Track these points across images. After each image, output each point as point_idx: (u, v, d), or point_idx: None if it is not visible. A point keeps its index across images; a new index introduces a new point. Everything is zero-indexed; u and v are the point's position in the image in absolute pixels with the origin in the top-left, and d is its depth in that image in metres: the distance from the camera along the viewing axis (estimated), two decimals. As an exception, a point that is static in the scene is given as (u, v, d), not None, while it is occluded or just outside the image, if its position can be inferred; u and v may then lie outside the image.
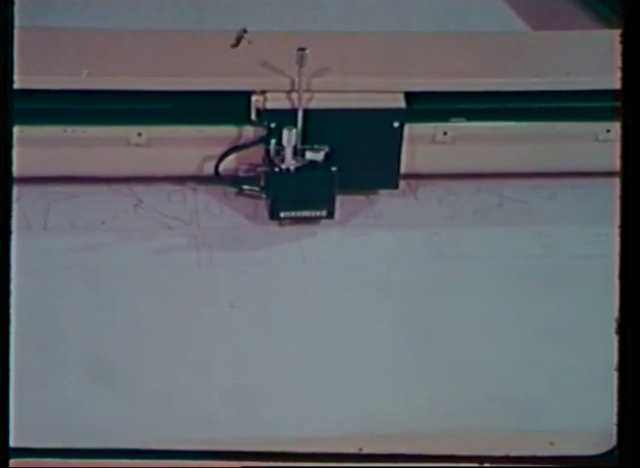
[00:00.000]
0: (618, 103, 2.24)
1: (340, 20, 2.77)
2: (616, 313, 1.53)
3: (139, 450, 1.66)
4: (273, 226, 2.23)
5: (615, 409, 1.53)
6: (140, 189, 2.32)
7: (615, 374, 1.53)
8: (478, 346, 1.93)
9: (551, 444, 1.72)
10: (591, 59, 2.40)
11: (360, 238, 2.23)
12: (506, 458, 1.66)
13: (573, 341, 1.91)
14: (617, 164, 2.30)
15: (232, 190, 2.31)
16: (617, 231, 1.53)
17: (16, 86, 2.02)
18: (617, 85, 2.24)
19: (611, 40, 2.50)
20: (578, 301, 2.01)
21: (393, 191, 2.33)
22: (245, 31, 2.27)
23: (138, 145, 2.26)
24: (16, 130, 2.13)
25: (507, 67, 2.38)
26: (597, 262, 2.07)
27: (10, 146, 1.52)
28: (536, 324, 1.96)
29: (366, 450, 1.70)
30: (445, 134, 2.32)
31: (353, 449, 1.70)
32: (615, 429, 1.53)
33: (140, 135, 2.26)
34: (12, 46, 1.51)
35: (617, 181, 2.31)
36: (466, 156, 2.35)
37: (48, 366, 1.85)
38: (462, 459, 1.65)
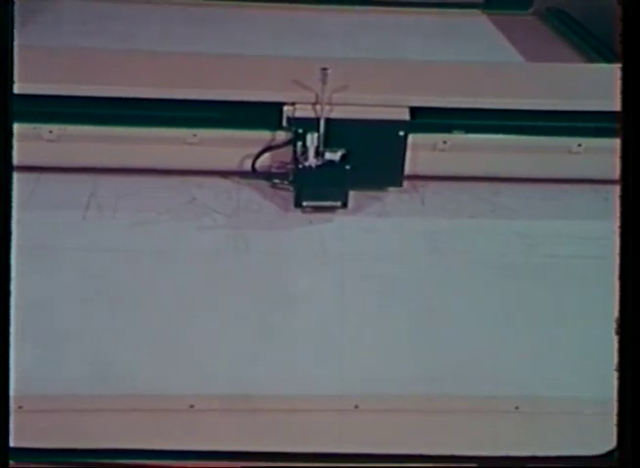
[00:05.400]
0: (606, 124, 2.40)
1: (358, 48, 3.04)
2: (616, 313, 1.54)
3: (138, 450, 1.69)
4: (297, 213, 2.43)
5: (615, 410, 1.54)
6: (190, 180, 2.52)
7: (615, 374, 1.55)
8: (461, 322, 2.10)
9: (516, 408, 1.85)
10: (563, 87, 2.59)
11: (367, 225, 2.41)
12: (506, 458, 1.72)
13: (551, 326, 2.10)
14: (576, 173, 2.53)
15: (265, 183, 2.50)
16: (617, 231, 1.55)
17: (93, 94, 2.36)
18: (590, 107, 2.45)
19: (590, 73, 2.72)
20: (553, 292, 2.21)
21: (397, 188, 2.52)
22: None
23: (192, 144, 2.46)
24: (100, 130, 2.40)
25: (488, 91, 2.53)
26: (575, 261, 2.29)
27: (10, 141, 1.52)
28: (511, 309, 2.13)
29: (361, 408, 1.82)
30: (445, 143, 2.47)
31: (350, 407, 1.83)
32: (615, 429, 1.54)
33: (194, 136, 2.46)
34: (12, 45, 1.49)
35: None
36: (460, 162, 2.52)
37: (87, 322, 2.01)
38: (463, 459, 1.71)
